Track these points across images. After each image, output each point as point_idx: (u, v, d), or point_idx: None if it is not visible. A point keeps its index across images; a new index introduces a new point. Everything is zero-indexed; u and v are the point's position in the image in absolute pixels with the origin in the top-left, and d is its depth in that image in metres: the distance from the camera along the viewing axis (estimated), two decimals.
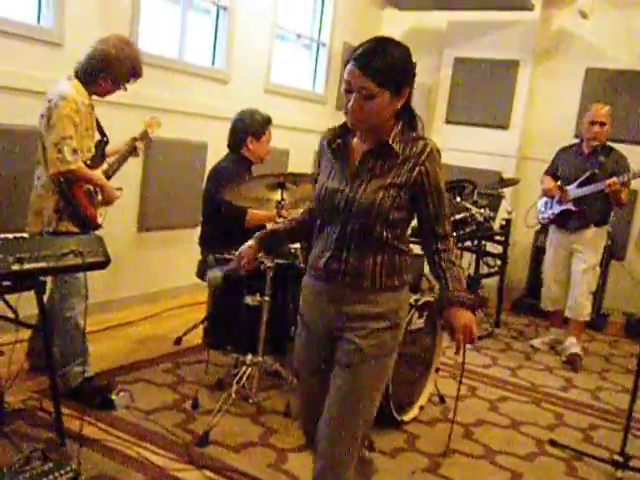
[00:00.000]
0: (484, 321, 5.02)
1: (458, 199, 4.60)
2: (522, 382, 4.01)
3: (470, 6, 6.05)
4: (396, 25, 6.82)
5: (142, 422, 2.85)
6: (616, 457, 2.91)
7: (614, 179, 4.02)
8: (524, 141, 6.16)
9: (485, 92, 6.28)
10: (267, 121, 3.55)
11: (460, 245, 4.77)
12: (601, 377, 4.30)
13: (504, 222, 4.98)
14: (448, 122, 6.54)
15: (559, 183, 4.38)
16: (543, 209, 4.53)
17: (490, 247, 5.08)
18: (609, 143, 4.34)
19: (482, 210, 4.53)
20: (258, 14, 5.15)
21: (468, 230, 4.51)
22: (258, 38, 5.21)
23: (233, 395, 2.89)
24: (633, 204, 5.75)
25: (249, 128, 3.51)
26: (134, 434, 2.73)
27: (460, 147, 6.35)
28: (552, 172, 4.52)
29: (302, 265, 3.21)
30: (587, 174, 4.24)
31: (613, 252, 5.54)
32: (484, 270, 4.95)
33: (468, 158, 6.23)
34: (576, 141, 4.61)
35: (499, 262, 5.03)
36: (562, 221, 4.40)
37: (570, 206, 4.31)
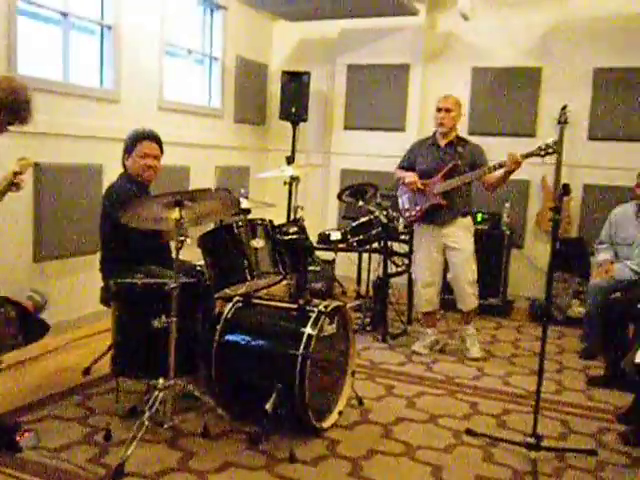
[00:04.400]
0: (396, 320, 5.12)
1: (361, 202, 4.68)
2: (437, 376, 4.10)
3: (358, 14, 6.18)
4: (288, 36, 6.91)
5: (52, 461, 2.70)
6: (528, 439, 3.02)
7: (519, 154, 3.95)
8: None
9: (380, 96, 6.44)
10: (140, 136, 3.49)
11: (367, 247, 4.85)
12: (510, 362, 4.46)
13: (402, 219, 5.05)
14: (346, 128, 6.65)
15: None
16: (407, 205, 4.41)
17: (397, 247, 5.17)
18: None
19: (385, 212, 4.61)
20: (145, 31, 5.06)
21: (374, 232, 4.59)
22: (147, 55, 5.11)
23: (146, 422, 2.80)
24: (527, 194, 6.04)
25: (124, 145, 3.51)
26: (44, 476, 2.59)
27: (360, 151, 6.49)
28: (408, 167, 4.44)
29: (207, 282, 3.16)
30: (449, 166, 4.21)
31: (513, 241, 5.79)
32: (393, 270, 5.03)
33: (368, 161, 6.37)
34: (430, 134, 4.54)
35: (406, 261, 5.13)
36: (431, 216, 4.31)
37: (440, 200, 4.24)
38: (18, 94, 2.74)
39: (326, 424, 3.12)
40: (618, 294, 4.23)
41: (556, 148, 3.98)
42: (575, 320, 5.26)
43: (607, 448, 3.18)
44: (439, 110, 4.31)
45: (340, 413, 3.25)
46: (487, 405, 3.66)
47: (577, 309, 5.38)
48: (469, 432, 3.24)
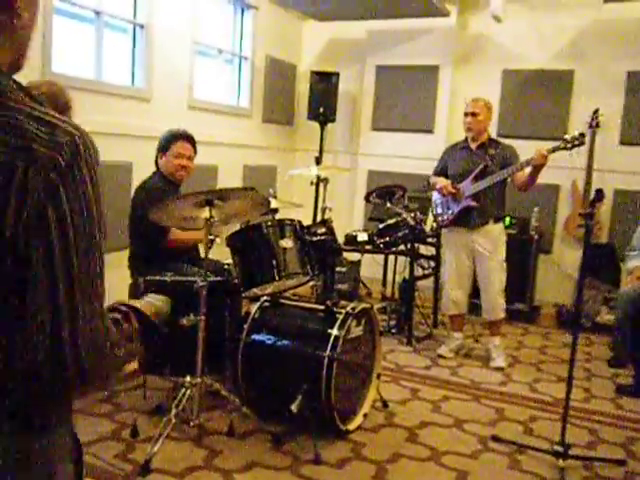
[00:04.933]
0: (422, 323, 5.09)
1: (389, 204, 4.65)
2: (462, 380, 4.07)
3: (388, 15, 6.16)
4: (317, 36, 6.90)
5: None
6: (557, 447, 2.98)
7: (544, 149, 3.89)
8: (449, 144, 6.29)
9: (408, 98, 6.40)
10: (175, 136, 3.53)
11: (394, 249, 4.82)
12: (537, 369, 4.41)
13: (435, 224, 5.04)
14: (374, 129, 6.63)
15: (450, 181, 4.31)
16: (440, 210, 4.41)
17: (423, 249, 5.14)
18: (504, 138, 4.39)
19: (413, 214, 4.59)
20: (177, 31, 5.09)
21: (400, 234, 4.56)
22: (178, 55, 5.15)
23: (173, 419, 2.82)
24: (556, 199, 5.96)
25: (158, 144, 3.54)
26: None
27: (387, 153, 6.45)
28: (441, 172, 4.44)
29: (236, 281, 3.17)
30: (480, 167, 4.18)
31: (541, 246, 5.73)
32: (419, 272, 5.00)
33: (396, 163, 6.34)
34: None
35: (433, 263, 5.10)
36: (463, 219, 4.27)
37: (470, 202, 4.21)
38: (58, 99, 2.78)
39: (351, 426, 3.12)
40: None
41: (582, 140, 3.91)
42: (603, 327, 5.18)
43: (636, 458, 3.14)
44: (466, 115, 4.29)
45: (365, 415, 3.25)
46: (513, 411, 3.63)
47: (606, 316, 5.29)
48: (495, 438, 3.22)
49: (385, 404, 3.49)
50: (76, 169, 0.86)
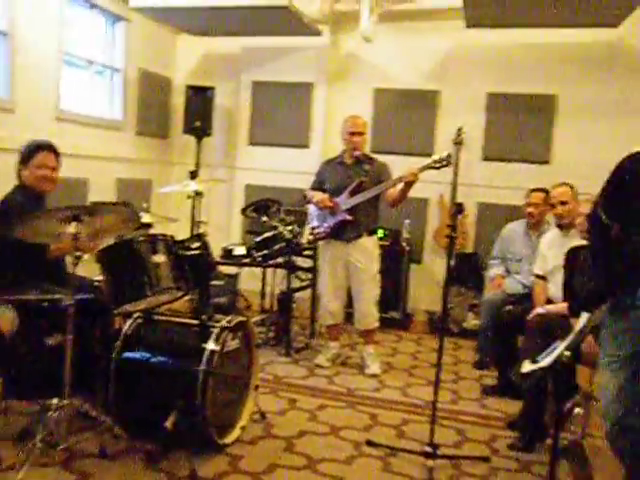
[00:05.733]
0: (299, 333, 5.17)
1: (265, 218, 4.70)
2: (339, 388, 4.17)
3: (261, 32, 6.24)
4: (192, 51, 6.87)
5: None
6: (426, 448, 3.13)
7: (415, 168, 4.12)
8: (325, 159, 6.44)
9: (284, 113, 6.51)
10: (37, 146, 3.38)
11: (271, 262, 4.86)
12: (410, 374, 4.60)
13: (312, 237, 5.13)
14: (251, 143, 6.67)
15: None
16: (317, 223, 4.51)
17: (300, 262, 5.22)
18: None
19: (290, 227, 4.66)
20: (42, 39, 4.90)
21: (277, 247, 4.62)
22: (44, 64, 4.95)
23: (38, 444, 2.68)
24: (426, 211, 6.26)
25: (20, 156, 3.38)
26: None
27: (264, 167, 6.52)
28: (318, 186, 4.56)
29: (106, 298, 3.08)
30: (356, 183, 4.34)
31: (412, 256, 5.99)
32: (297, 284, 5.08)
33: (273, 177, 6.42)
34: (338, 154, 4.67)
35: (310, 275, 5.19)
36: (338, 232, 4.41)
37: (346, 216, 4.35)
38: None
39: (228, 440, 3.10)
40: (509, 307, 4.46)
41: (450, 161, 4.14)
42: (470, 332, 5.48)
43: (499, 454, 3.34)
44: (353, 134, 4.43)
45: (243, 428, 3.24)
46: (387, 416, 3.76)
47: (472, 321, 5.61)
48: (369, 443, 3.31)
49: (263, 415, 3.50)
50: None
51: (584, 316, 2.92)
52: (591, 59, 5.78)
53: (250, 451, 3.13)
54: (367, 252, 4.44)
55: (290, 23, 5.78)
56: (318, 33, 6.15)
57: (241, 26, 6.09)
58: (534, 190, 4.72)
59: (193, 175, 4.46)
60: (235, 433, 3.18)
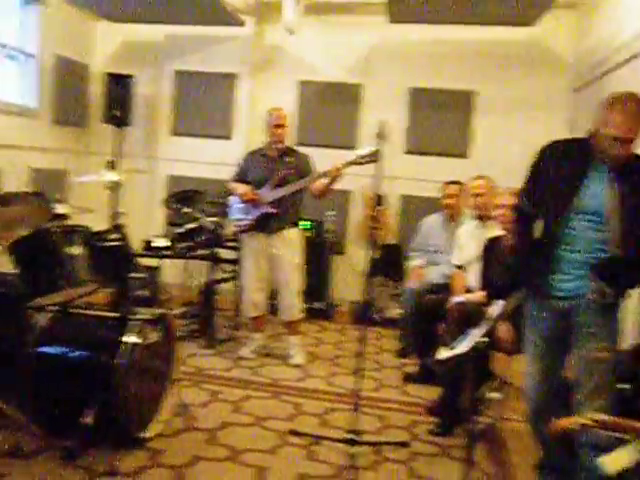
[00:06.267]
0: (223, 326, 5.13)
1: (187, 209, 4.64)
2: (263, 379, 4.17)
3: (185, 21, 6.14)
4: (111, 38, 6.69)
5: None
6: (348, 435, 3.18)
7: (340, 163, 4.15)
8: (248, 150, 6.41)
9: (207, 104, 6.43)
10: None
11: (194, 254, 4.81)
12: (334, 363, 4.65)
13: (235, 229, 5.10)
14: (175, 134, 6.56)
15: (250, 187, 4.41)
16: (239, 216, 4.48)
17: (224, 253, 5.17)
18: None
19: (212, 219, 4.62)
20: None
21: (200, 239, 4.57)
22: None
23: None
24: (349, 203, 6.33)
25: None
26: None
27: (187, 158, 6.43)
28: (241, 178, 4.52)
29: (20, 292, 2.96)
30: (279, 175, 4.35)
31: (336, 247, 6.05)
32: (220, 276, 5.04)
33: (196, 168, 6.33)
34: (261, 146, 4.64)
35: (233, 267, 5.15)
36: (262, 225, 4.41)
37: (269, 209, 4.36)
38: None
39: (149, 434, 3.05)
40: (430, 297, 4.57)
41: (375, 157, 4.19)
42: (393, 321, 5.58)
43: (419, 439, 3.43)
44: (277, 126, 4.42)
45: (164, 422, 3.20)
46: (311, 405, 3.79)
47: (395, 311, 5.71)
48: (293, 432, 3.34)
49: (185, 408, 3.46)
50: None
51: (498, 304, 3.03)
52: (509, 57, 5.99)
53: (171, 444, 3.09)
54: (291, 244, 4.45)
55: (213, 12, 5.70)
56: (242, 23, 6.10)
57: (163, 14, 5.96)
58: (449, 183, 4.87)
59: (111, 165, 4.34)
60: (156, 427, 3.13)
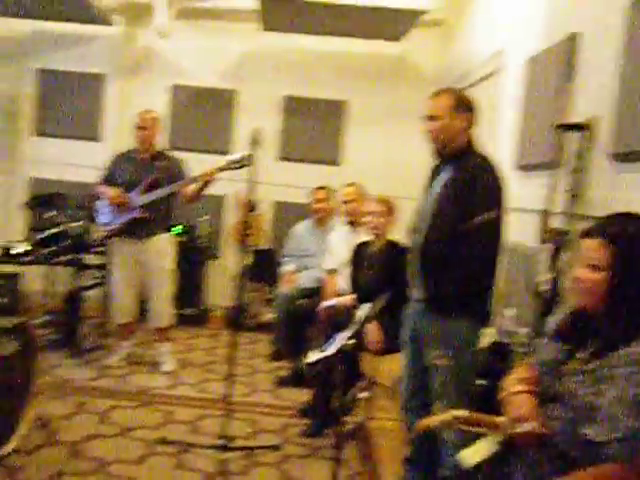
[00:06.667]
0: (91, 334, 4.94)
1: (51, 213, 4.43)
2: (131, 388, 4.07)
3: (52, 17, 5.84)
4: None
5: None
6: (219, 441, 3.17)
7: (213, 168, 4.09)
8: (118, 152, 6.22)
9: (75, 105, 6.18)
10: None
11: (58, 259, 4.59)
12: (206, 369, 4.61)
13: (102, 234, 4.92)
14: (39, 134, 6.24)
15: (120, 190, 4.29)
16: (107, 220, 4.34)
17: (91, 259, 4.98)
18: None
19: (78, 223, 4.44)
20: None
21: (65, 244, 4.38)
22: None
23: None
24: (222, 208, 6.30)
25: None
26: None
27: (53, 159, 6.12)
28: (108, 180, 4.38)
29: None
30: (150, 179, 4.26)
31: (209, 252, 6.01)
32: (87, 282, 4.84)
33: (61, 171, 6.04)
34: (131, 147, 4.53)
35: (101, 273, 4.97)
36: (131, 229, 4.29)
37: (139, 213, 4.25)
38: None
39: (4, 451, 2.88)
40: (302, 301, 4.65)
41: (248, 162, 4.19)
42: (266, 326, 5.61)
43: (290, 442, 3.48)
44: (139, 128, 4.33)
45: (23, 437, 3.03)
46: (181, 413, 3.74)
47: (268, 315, 5.75)
48: (162, 441, 3.27)
49: (46, 422, 3.30)
50: None
51: (365, 306, 3.14)
52: (378, 69, 6.23)
53: (30, 461, 2.94)
54: (161, 249, 4.37)
55: (81, 10, 5.49)
56: (110, 23, 5.92)
57: (27, 8, 5.64)
58: (318, 188, 5.00)
59: None
60: (12, 443, 2.95)
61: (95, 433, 3.33)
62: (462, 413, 1.89)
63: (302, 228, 5.04)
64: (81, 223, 4.42)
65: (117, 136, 6.14)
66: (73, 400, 3.74)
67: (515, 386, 1.82)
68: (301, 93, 6.26)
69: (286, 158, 6.31)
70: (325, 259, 4.48)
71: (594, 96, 2.87)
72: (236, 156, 4.09)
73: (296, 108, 6.30)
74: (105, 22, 5.86)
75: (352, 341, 2.91)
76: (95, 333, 4.97)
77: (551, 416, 1.70)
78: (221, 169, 4.12)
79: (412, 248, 2.73)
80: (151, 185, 4.26)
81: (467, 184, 2.52)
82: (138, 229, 4.29)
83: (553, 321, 1.93)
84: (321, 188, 4.99)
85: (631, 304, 1.61)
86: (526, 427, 1.70)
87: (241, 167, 4.11)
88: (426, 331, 2.66)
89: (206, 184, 4.21)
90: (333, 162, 6.28)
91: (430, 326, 2.63)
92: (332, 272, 4.37)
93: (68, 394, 3.83)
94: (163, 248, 4.38)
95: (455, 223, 2.51)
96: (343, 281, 4.16)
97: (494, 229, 2.54)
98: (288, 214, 6.16)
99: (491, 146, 4.11)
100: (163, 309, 4.42)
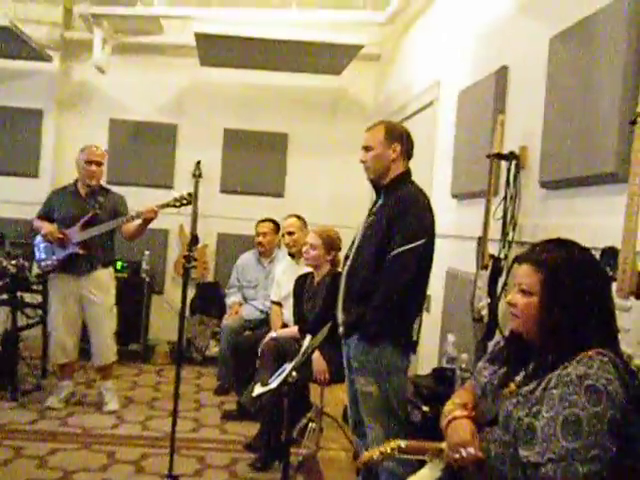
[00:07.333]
0: (29, 375, 4.77)
1: None
2: (73, 429, 3.94)
3: None
4: None
5: None
6: None
7: (154, 206, 4.08)
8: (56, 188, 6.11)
9: (10, 140, 6.06)
10: None
11: None
12: (150, 406, 4.50)
13: (40, 271, 4.81)
14: None
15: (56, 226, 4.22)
16: (44, 256, 4.24)
17: (28, 297, 4.85)
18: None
19: (15, 261, 4.34)
20: None
21: (1, 283, 4.26)
22: None
23: None
24: (166, 242, 6.25)
25: None
26: None
27: None
28: (46, 216, 4.30)
29: None
30: (89, 215, 4.19)
31: (153, 287, 5.93)
32: (24, 322, 4.70)
33: None
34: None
35: (39, 312, 4.84)
36: (70, 266, 4.20)
37: (77, 249, 4.16)
38: None
39: None
40: (247, 333, 4.64)
41: (190, 200, 4.21)
42: (213, 359, 5.54)
43: (239, 477, 3.43)
44: (90, 163, 4.26)
45: None
46: (126, 452, 3.64)
47: (214, 349, 5.69)
48: None
49: None
50: None
51: (308, 338, 3.17)
52: (318, 102, 6.34)
53: None
54: (102, 285, 4.29)
55: (18, 46, 5.42)
56: (48, 59, 5.87)
57: None
58: (261, 221, 5.04)
59: None
60: None
61: (34, 479, 3.21)
62: (402, 443, 1.91)
63: (246, 259, 5.06)
64: (18, 261, 4.30)
65: (56, 172, 6.05)
66: (10, 445, 3.59)
67: (454, 411, 1.85)
68: (242, 126, 6.31)
69: (228, 190, 6.33)
70: (271, 290, 4.49)
71: (523, 126, 3.01)
72: (177, 194, 4.11)
73: (237, 141, 6.34)
74: (43, 58, 5.80)
75: (294, 373, 2.92)
76: (34, 374, 4.80)
77: (490, 439, 1.74)
78: (163, 206, 4.14)
79: (342, 274, 2.84)
80: (90, 221, 4.20)
81: (394, 213, 2.63)
82: (77, 265, 4.21)
83: (492, 345, 1.99)
84: (265, 221, 5.01)
85: (560, 328, 1.68)
86: (464, 452, 1.73)
87: (182, 205, 4.13)
88: (353, 358, 2.73)
89: (147, 221, 4.19)
90: (276, 194, 6.32)
91: (357, 353, 2.70)
92: (277, 304, 4.39)
93: (5, 439, 3.68)
94: (104, 283, 4.31)
95: (378, 251, 2.62)
96: (288, 313, 4.18)
97: (419, 258, 2.63)
98: (232, 246, 6.16)
99: (429, 175, 4.27)
100: (105, 346, 4.32)
